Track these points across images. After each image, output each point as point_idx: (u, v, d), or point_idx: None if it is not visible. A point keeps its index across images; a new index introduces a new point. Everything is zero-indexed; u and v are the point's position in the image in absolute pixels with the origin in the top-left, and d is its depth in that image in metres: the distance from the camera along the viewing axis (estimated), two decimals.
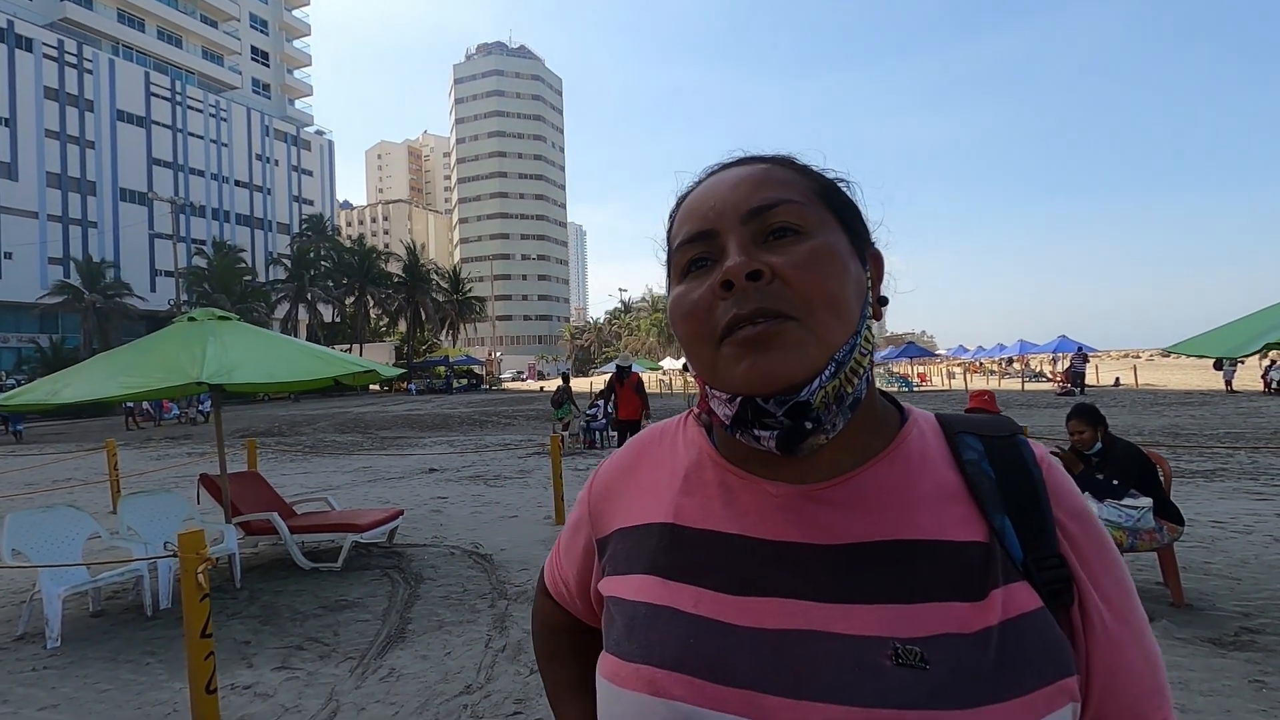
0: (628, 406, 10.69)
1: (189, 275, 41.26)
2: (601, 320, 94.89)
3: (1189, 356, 4.73)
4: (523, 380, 67.36)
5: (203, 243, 48.93)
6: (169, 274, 46.63)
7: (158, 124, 53.68)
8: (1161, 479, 4.29)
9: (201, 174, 57.00)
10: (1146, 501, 4.05)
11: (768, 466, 0.59)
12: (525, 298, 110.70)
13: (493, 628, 4.20)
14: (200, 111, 57.03)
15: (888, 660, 0.49)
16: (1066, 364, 28.19)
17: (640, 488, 0.66)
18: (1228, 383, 23.25)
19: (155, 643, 4.17)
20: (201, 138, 57.07)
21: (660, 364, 45.68)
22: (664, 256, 0.64)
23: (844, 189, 0.62)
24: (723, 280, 0.53)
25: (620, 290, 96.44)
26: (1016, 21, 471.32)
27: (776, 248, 0.55)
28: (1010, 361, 40.18)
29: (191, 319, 5.38)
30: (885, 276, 0.63)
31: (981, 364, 42.20)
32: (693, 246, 0.58)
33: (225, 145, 59.06)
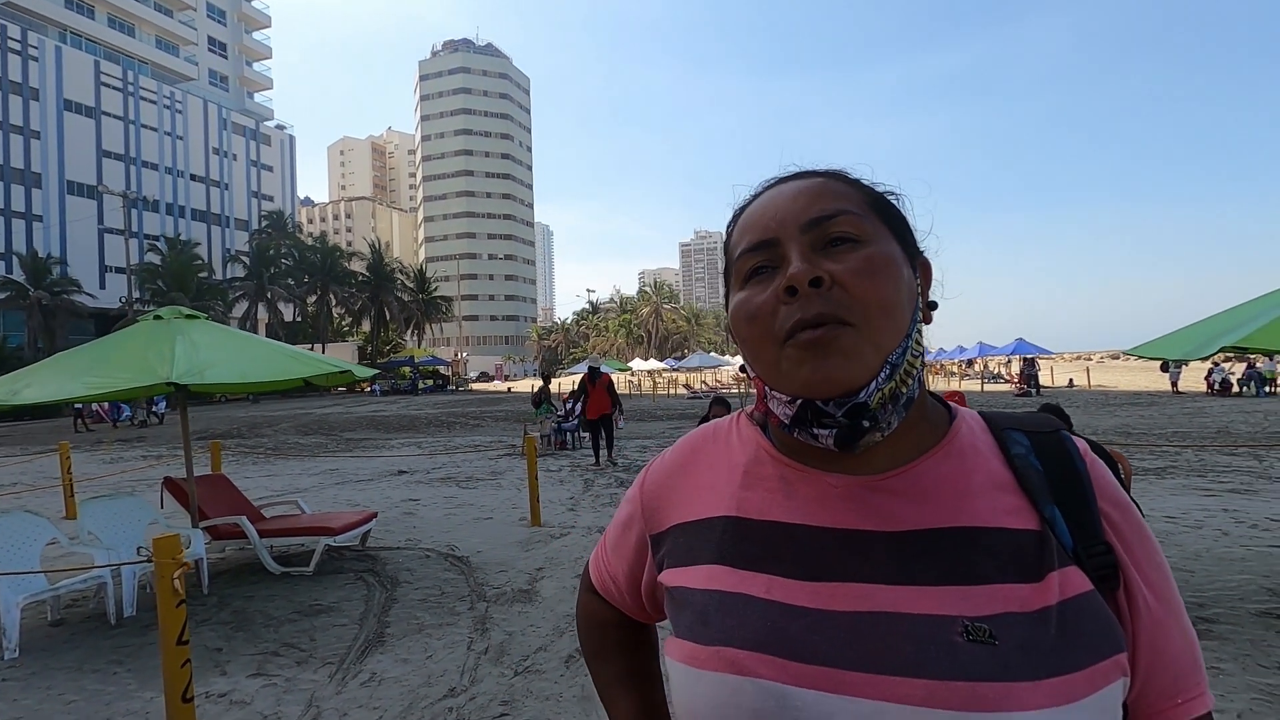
0: (598, 405, 11.07)
1: (142, 272, 39.83)
2: (569, 321, 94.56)
3: (1140, 359, 4.94)
4: (490, 381, 66.65)
5: (156, 239, 47.22)
6: (120, 270, 44.93)
7: (108, 115, 51.69)
8: (1122, 476, 4.47)
9: (155, 167, 55.06)
10: None
11: (825, 460, 0.62)
12: (492, 298, 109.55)
13: (474, 630, 4.17)
14: (154, 103, 55.09)
15: (959, 637, 0.52)
16: (1019, 366, 29.14)
17: (697, 485, 0.69)
18: (1174, 384, 24.30)
19: (122, 651, 4.04)
20: (155, 130, 55.13)
21: (629, 365, 45.71)
22: (719, 264, 0.68)
23: (894, 201, 0.65)
24: (787, 286, 0.57)
25: (588, 291, 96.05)
26: (973, 35, 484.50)
27: (835, 255, 0.58)
28: (970, 363, 41.29)
29: (158, 317, 5.22)
30: (934, 283, 0.66)
31: (943, 365, 43.26)
32: (755, 254, 0.61)
33: (180, 138, 57.18)
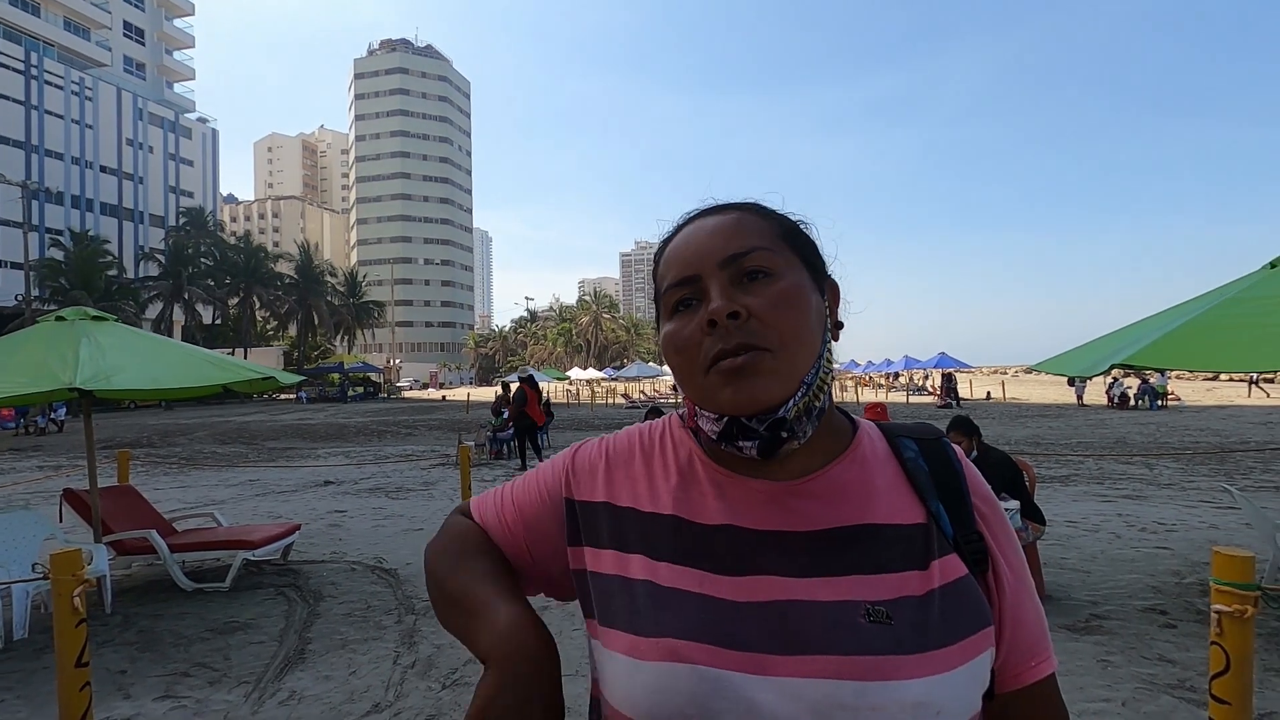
0: (536, 412, 11.99)
1: (42, 269, 37.06)
2: (507, 329, 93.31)
3: (1049, 373, 5.31)
4: (424, 389, 64.96)
5: (60, 233, 44.09)
6: (17, 266, 41.53)
7: (6, 98, 47.91)
8: (1027, 483, 4.79)
9: (60, 157, 51.38)
10: (1015, 504, 4.51)
11: (749, 467, 0.68)
12: (428, 303, 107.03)
13: (400, 643, 4.08)
14: (60, 88, 51.43)
15: (862, 619, 0.61)
16: (939, 380, 30.56)
17: (632, 475, 0.73)
18: (1079, 397, 26.01)
19: (12, 677, 3.75)
20: (61, 117, 51.48)
21: (568, 374, 45.49)
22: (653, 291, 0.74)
23: (804, 229, 0.72)
24: (708, 319, 0.63)
25: (527, 299, 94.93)
26: (904, 63, 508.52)
27: (751, 289, 0.64)
28: (896, 376, 42.99)
29: (60, 318, 4.90)
30: (841, 301, 0.74)
31: (871, 378, 44.90)
32: (679, 289, 0.67)
33: (90, 127, 53.58)
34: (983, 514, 0.70)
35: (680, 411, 0.78)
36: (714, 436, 0.66)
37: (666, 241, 0.72)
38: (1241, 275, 4.10)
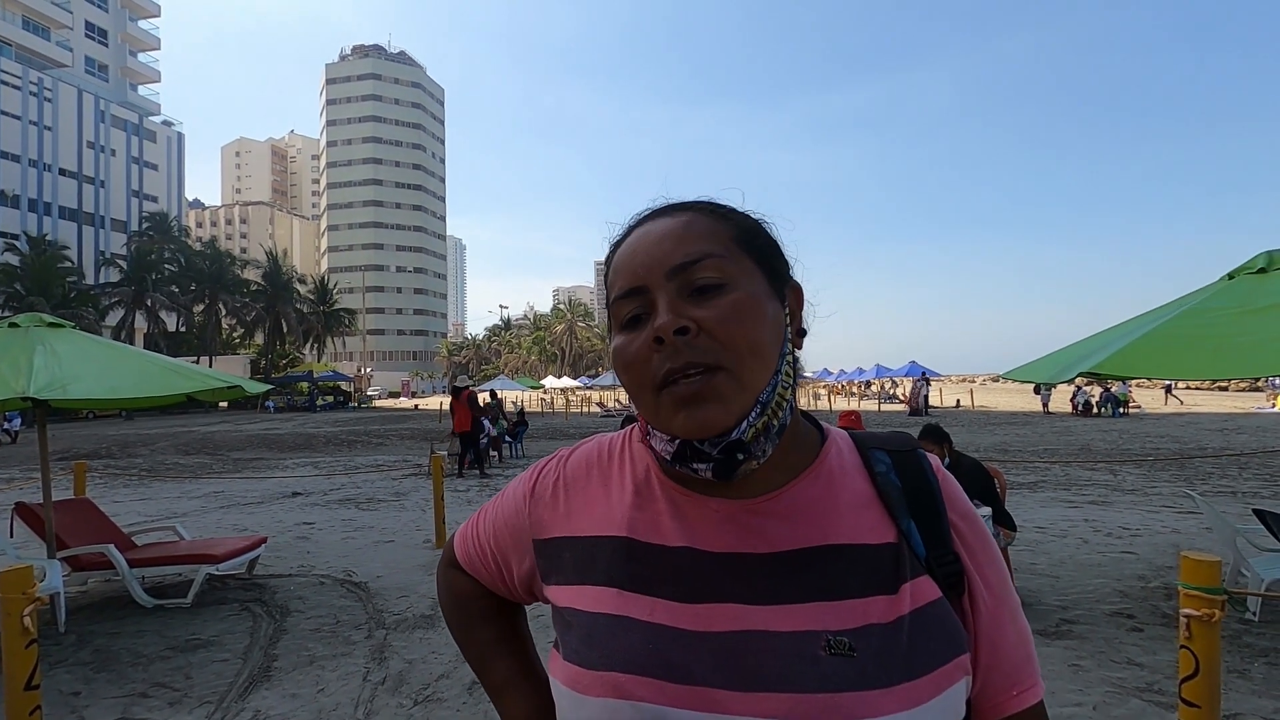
0: (462, 422, 11.95)
1: None
2: (481, 337, 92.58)
3: (1015, 381, 5.41)
4: (395, 398, 64.04)
5: (16, 237, 42.74)
6: None
7: None
8: (998, 490, 4.86)
9: (16, 159, 49.93)
10: (986, 510, 4.57)
11: (708, 485, 0.64)
12: (400, 311, 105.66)
13: (370, 659, 3.97)
14: (17, 89, 50.03)
15: (822, 651, 0.56)
16: (909, 388, 31.05)
17: (588, 499, 0.70)
18: (1045, 405, 26.61)
19: None
20: (18, 118, 50.06)
21: (542, 383, 45.23)
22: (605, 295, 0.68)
23: (764, 227, 0.66)
24: (654, 336, 0.58)
25: (501, 307, 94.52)
26: (879, 76, 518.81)
27: (701, 301, 0.59)
28: (868, 384, 43.60)
29: (14, 325, 4.71)
30: (806, 304, 0.68)
31: (844, 386, 45.47)
32: (627, 301, 0.62)
33: (49, 129, 52.17)
34: (960, 531, 0.65)
35: (637, 427, 0.73)
36: (667, 458, 0.62)
37: (616, 245, 0.66)
38: (1201, 286, 4.22)
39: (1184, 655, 2.15)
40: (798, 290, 0.67)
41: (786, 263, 0.67)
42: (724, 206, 0.66)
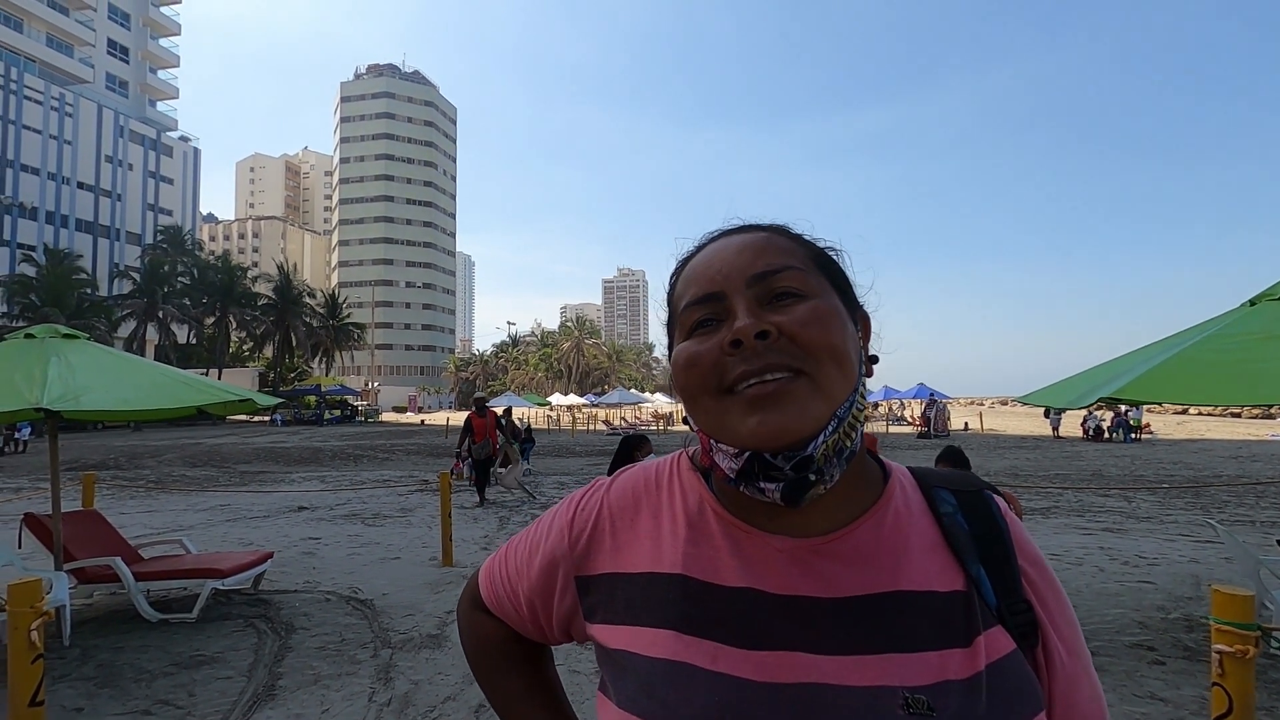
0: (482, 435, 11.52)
1: (13, 284, 36.28)
2: (488, 353, 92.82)
3: (1026, 404, 5.33)
4: (402, 413, 64.12)
5: (33, 249, 43.27)
6: None
7: None
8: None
9: (36, 172, 50.65)
10: None
11: (768, 518, 0.61)
12: (408, 326, 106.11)
13: (376, 679, 3.92)
14: (40, 104, 50.91)
15: (900, 710, 0.52)
16: (920, 410, 30.83)
17: (637, 533, 0.66)
18: (1055, 429, 26.36)
19: None
20: (39, 132, 50.87)
21: (549, 400, 45.21)
22: (664, 316, 0.67)
23: (835, 257, 0.65)
24: (732, 339, 0.56)
25: (509, 324, 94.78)
26: (891, 99, 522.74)
27: (780, 309, 0.57)
28: (876, 406, 43.35)
29: (30, 335, 4.74)
30: (873, 335, 0.67)
31: None
32: (700, 308, 0.60)
33: (69, 143, 52.98)
34: (1030, 579, 0.61)
35: (691, 449, 0.69)
36: (731, 475, 0.58)
37: (686, 260, 0.65)
38: (1223, 312, 4.18)
39: (1216, 693, 2.08)
40: (867, 320, 0.66)
41: (855, 292, 0.66)
42: (797, 231, 0.66)
